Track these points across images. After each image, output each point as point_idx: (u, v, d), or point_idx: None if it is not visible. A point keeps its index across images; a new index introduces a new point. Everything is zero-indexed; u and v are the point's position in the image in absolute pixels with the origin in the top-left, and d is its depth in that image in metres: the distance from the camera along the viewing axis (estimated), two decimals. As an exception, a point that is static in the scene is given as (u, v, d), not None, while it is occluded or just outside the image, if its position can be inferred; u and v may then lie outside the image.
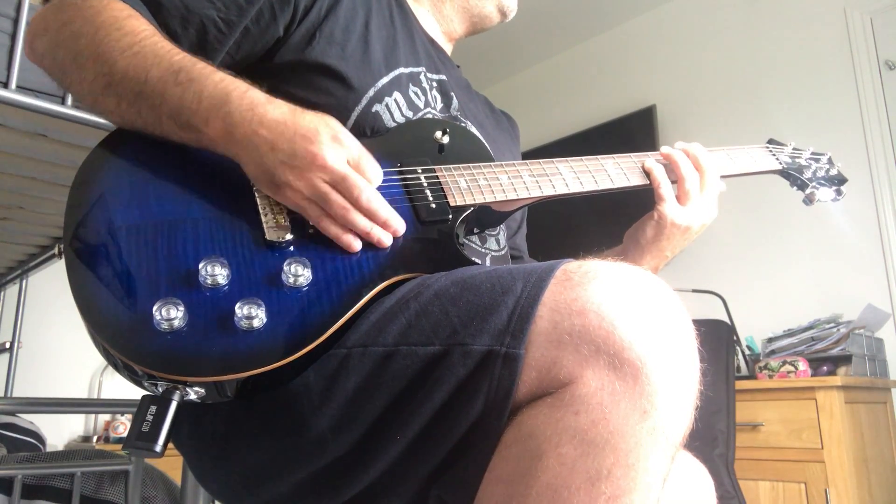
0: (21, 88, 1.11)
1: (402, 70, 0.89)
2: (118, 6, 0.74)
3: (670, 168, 0.93)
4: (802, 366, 2.27)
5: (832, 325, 2.39)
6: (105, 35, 0.71)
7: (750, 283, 2.91)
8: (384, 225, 0.70)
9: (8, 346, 2.61)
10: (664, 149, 0.94)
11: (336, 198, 0.67)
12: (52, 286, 2.74)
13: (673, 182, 0.93)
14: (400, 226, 0.71)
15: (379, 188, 0.70)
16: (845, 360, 2.29)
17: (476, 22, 1.07)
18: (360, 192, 0.67)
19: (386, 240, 0.70)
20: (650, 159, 0.93)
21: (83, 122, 1.17)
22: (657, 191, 0.91)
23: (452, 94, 0.96)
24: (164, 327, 0.58)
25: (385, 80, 0.86)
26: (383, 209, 0.69)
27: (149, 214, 0.66)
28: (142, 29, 0.73)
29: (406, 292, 0.65)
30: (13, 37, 1.13)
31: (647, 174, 0.92)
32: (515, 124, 1.19)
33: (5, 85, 1.11)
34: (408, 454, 0.61)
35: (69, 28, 0.73)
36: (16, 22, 1.14)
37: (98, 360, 3.49)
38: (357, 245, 0.69)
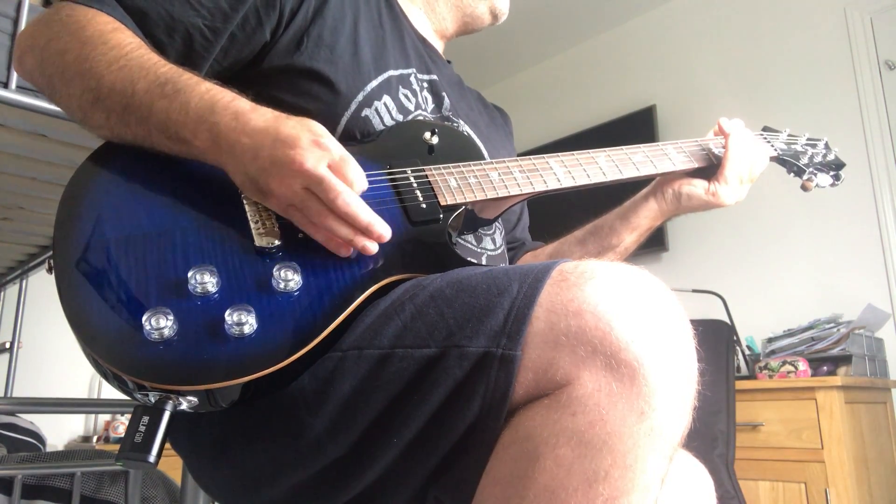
0: (21, 88, 1.11)
1: (391, 73, 0.88)
2: (103, 19, 0.74)
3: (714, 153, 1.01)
4: (802, 366, 2.27)
5: (832, 325, 2.39)
6: (91, 50, 0.71)
7: (750, 283, 2.91)
8: (366, 230, 0.67)
9: (8, 346, 2.61)
10: (731, 135, 1.01)
11: (313, 203, 0.65)
12: (52, 286, 2.73)
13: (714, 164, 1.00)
14: (384, 231, 0.68)
15: (368, 190, 0.69)
16: (845, 360, 2.28)
17: (468, 22, 1.07)
18: (337, 196, 0.65)
19: (370, 246, 0.68)
20: (716, 141, 1.03)
21: (83, 123, 1.17)
22: (725, 172, 0.98)
23: (444, 93, 0.96)
24: (154, 337, 0.57)
25: (374, 83, 0.85)
26: (363, 213, 0.66)
27: (138, 226, 0.66)
28: (127, 42, 0.72)
29: (401, 294, 0.65)
30: (13, 37, 1.13)
31: (717, 157, 1.01)
32: (508, 119, 1.18)
33: (5, 85, 1.10)
34: (405, 456, 0.61)
35: (55, 44, 0.73)
36: (16, 22, 1.14)
37: (98, 359, 3.49)
38: (346, 251, 0.68)
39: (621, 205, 1.07)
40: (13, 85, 1.11)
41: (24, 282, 2.37)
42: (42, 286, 2.63)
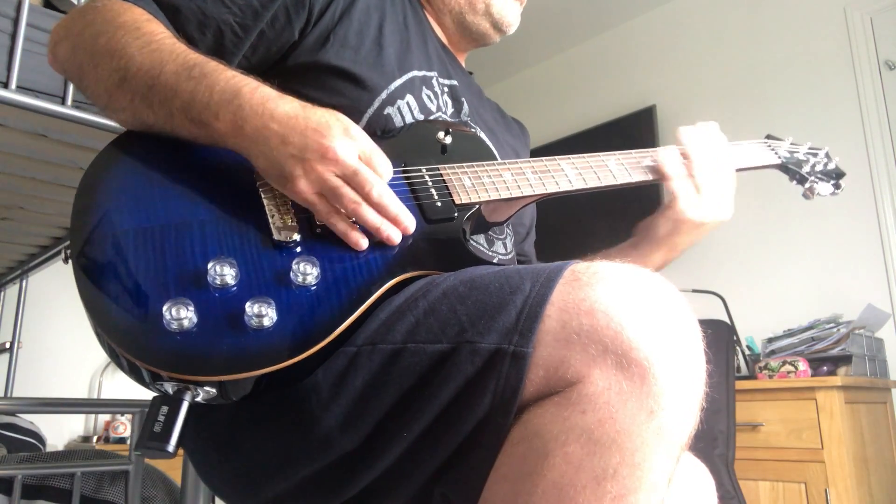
0: (21, 88, 1.11)
1: (415, 73, 0.89)
2: (138, 11, 0.76)
3: (684, 162, 0.92)
4: (802, 366, 2.27)
5: (832, 325, 2.39)
6: (124, 34, 0.72)
7: (750, 283, 2.91)
8: (394, 221, 0.69)
9: (8, 346, 2.60)
10: (684, 141, 0.92)
11: (347, 192, 0.67)
12: (52, 286, 2.74)
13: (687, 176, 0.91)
14: (410, 223, 0.70)
15: None
16: (845, 360, 2.29)
17: (476, 38, 1.06)
18: (372, 187, 0.67)
19: (395, 237, 0.69)
20: (662, 152, 0.92)
21: (83, 122, 1.17)
22: (669, 185, 0.91)
23: (463, 99, 0.97)
24: (173, 327, 0.58)
25: (398, 82, 0.86)
26: (394, 204, 0.69)
27: (156, 217, 0.66)
28: (160, 31, 0.74)
29: (415, 291, 0.66)
30: (13, 37, 1.13)
31: (657, 169, 0.90)
32: (526, 132, 1.19)
33: (5, 85, 1.10)
34: (413, 451, 0.61)
35: (90, 30, 0.75)
36: (16, 22, 1.14)
37: (98, 360, 3.49)
38: (364, 243, 0.69)
39: (632, 240, 1.02)
40: (13, 85, 1.11)
41: (24, 282, 2.37)
42: (42, 286, 2.64)
